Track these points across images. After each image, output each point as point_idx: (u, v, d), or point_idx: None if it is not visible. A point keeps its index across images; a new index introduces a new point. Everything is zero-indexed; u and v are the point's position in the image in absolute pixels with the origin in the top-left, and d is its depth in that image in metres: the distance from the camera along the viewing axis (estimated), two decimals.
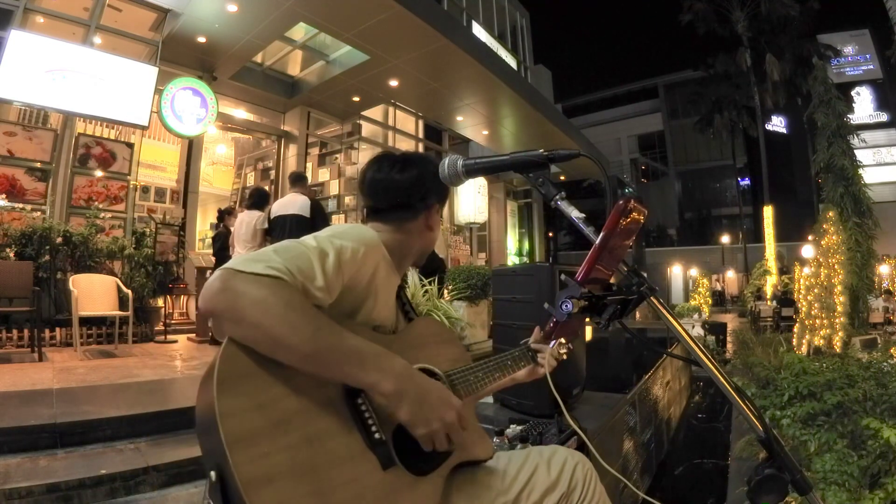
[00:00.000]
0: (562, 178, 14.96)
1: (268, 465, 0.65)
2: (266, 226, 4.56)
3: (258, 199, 4.90)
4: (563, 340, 1.16)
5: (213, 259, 6.12)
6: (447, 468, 0.89)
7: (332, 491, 0.70)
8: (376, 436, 0.78)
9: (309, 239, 0.82)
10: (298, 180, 4.68)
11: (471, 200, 12.64)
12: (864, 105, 21.76)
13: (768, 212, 15.93)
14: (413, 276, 4.61)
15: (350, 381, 0.76)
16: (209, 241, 9.75)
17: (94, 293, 4.80)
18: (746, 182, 27.78)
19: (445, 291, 5.27)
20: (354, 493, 0.72)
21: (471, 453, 0.96)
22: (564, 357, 1.18)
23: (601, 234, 0.75)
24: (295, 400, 0.72)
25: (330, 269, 0.79)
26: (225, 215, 6.07)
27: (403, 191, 1.04)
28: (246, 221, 4.65)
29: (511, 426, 1.95)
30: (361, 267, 0.87)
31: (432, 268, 5.02)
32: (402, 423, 0.80)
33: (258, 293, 0.70)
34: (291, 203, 4.40)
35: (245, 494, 0.62)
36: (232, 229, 5.03)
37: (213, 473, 0.66)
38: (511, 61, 12.52)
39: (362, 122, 10.02)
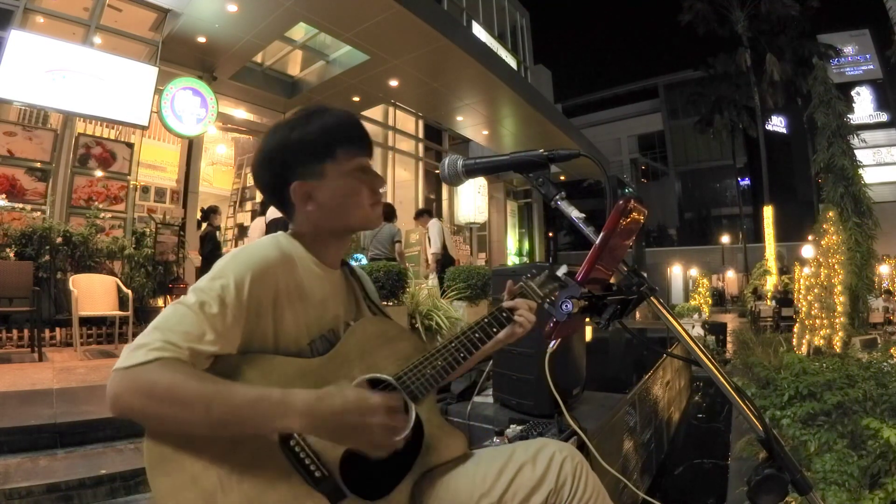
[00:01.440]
0: (562, 178, 14.96)
1: None
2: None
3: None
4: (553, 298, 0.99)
5: (196, 260, 6.03)
6: (410, 482, 0.86)
7: None
8: (317, 474, 0.77)
9: (189, 295, 0.79)
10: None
11: (471, 200, 12.64)
12: (864, 105, 21.75)
13: (768, 212, 15.94)
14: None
15: (262, 433, 0.75)
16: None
17: (94, 293, 4.80)
18: (746, 182, 27.79)
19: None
20: None
21: (438, 455, 0.91)
22: (547, 303, 1.01)
23: (601, 234, 0.75)
24: (227, 462, 0.73)
25: (215, 317, 0.76)
26: (210, 214, 6.00)
27: (260, 166, 0.95)
28: (260, 227, 4.69)
29: (511, 426, 1.95)
30: (254, 297, 0.80)
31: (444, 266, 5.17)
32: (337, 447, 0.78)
33: (144, 387, 0.69)
34: None
35: None
36: (218, 228, 5.08)
37: None
38: (511, 61, 12.52)
39: (362, 122, 10.01)
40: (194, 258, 6.65)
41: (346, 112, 0.98)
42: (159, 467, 0.72)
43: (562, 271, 0.81)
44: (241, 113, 8.90)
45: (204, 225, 6.00)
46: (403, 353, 0.94)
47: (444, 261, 6.64)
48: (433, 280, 5.63)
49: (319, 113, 0.95)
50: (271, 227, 4.46)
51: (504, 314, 1.00)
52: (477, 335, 0.97)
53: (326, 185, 0.91)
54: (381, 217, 1.00)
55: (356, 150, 0.95)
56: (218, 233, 7.71)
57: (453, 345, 0.94)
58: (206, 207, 6.28)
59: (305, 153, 0.91)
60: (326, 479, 0.77)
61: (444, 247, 6.71)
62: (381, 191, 0.99)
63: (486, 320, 0.99)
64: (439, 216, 10.47)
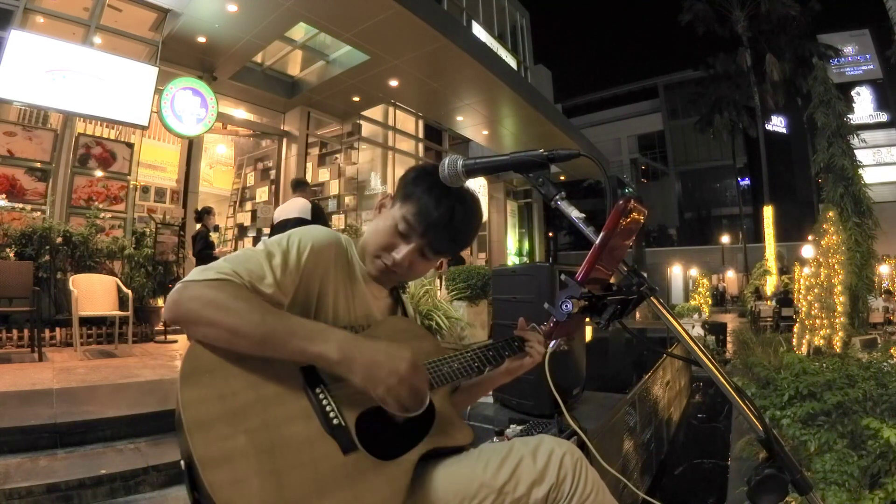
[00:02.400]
0: (562, 178, 14.97)
1: (225, 446, 0.70)
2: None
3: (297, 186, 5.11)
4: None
5: (193, 260, 6.07)
6: (418, 452, 0.88)
7: (289, 470, 0.73)
8: (335, 421, 0.81)
9: (259, 245, 0.90)
10: (299, 186, 5.00)
11: None
12: (864, 105, 21.77)
13: (768, 212, 15.95)
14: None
15: (300, 356, 0.80)
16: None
17: (94, 293, 4.80)
18: (746, 182, 27.81)
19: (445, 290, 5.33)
20: (312, 473, 0.75)
21: (447, 438, 0.95)
22: (562, 348, 1.13)
23: (601, 234, 0.75)
24: (255, 391, 0.78)
25: (277, 267, 0.86)
26: (203, 215, 6.07)
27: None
28: (300, 204, 4.82)
29: (511, 426, 1.95)
30: (310, 264, 0.91)
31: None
32: (361, 391, 0.81)
33: (209, 295, 0.77)
34: (293, 207, 4.70)
35: (202, 472, 0.66)
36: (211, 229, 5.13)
37: (182, 463, 0.72)
38: (511, 61, 12.52)
39: (362, 122, 10.02)
40: (193, 258, 6.65)
41: (462, 215, 0.99)
42: (192, 378, 0.75)
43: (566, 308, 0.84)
44: (240, 113, 8.90)
45: (198, 226, 6.05)
46: (425, 350, 1.01)
47: (455, 261, 6.78)
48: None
49: (453, 197, 0.98)
50: (279, 227, 4.50)
51: (516, 343, 1.10)
52: (490, 353, 1.07)
53: (386, 213, 1.03)
54: (376, 271, 1.03)
55: (420, 230, 0.98)
56: (215, 233, 7.72)
57: (469, 355, 1.04)
58: (200, 209, 6.33)
59: (405, 194, 1.00)
60: (342, 427, 0.81)
61: None
62: (403, 264, 1.01)
63: (500, 343, 1.09)
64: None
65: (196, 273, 0.80)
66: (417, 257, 1.01)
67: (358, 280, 1.01)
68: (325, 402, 0.82)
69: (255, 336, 0.76)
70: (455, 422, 0.99)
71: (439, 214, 0.96)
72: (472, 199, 1.02)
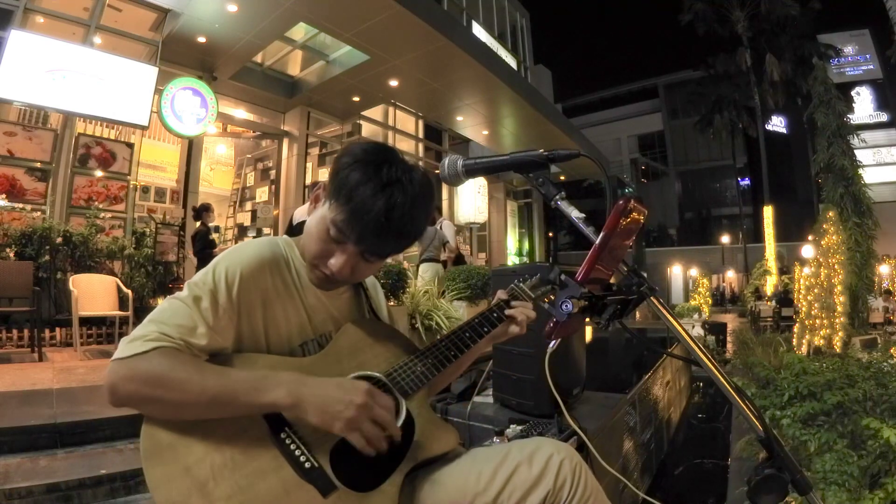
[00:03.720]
0: (562, 178, 14.96)
1: None
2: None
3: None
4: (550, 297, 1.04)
5: (195, 259, 6.06)
6: (401, 473, 0.85)
7: None
8: (307, 465, 0.78)
9: (184, 289, 0.82)
10: (315, 187, 4.97)
11: (471, 200, 12.65)
12: (864, 105, 21.75)
13: (768, 212, 15.94)
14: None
15: (253, 410, 0.77)
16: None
17: (94, 293, 4.80)
18: (746, 182, 27.79)
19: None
20: None
21: (430, 448, 0.90)
22: (543, 303, 1.05)
23: (601, 234, 0.75)
24: (220, 453, 0.75)
25: (207, 311, 0.79)
26: (202, 212, 6.01)
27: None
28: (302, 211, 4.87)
29: (511, 426, 1.95)
30: (244, 294, 0.83)
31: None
32: (320, 429, 0.78)
33: (143, 372, 0.73)
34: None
35: None
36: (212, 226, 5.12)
37: None
38: (511, 61, 12.52)
39: (362, 122, 10.02)
40: (194, 258, 6.65)
41: (393, 209, 0.84)
42: (154, 457, 0.74)
43: (553, 273, 0.81)
44: (241, 113, 8.90)
45: (197, 224, 6.01)
46: (394, 352, 0.96)
47: (456, 261, 6.84)
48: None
49: (388, 183, 0.84)
50: (297, 229, 4.49)
51: (495, 314, 1.03)
52: (468, 334, 0.99)
53: (319, 213, 0.90)
54: (317, 280, 0.93)
55: (354, 237, 0.85)
56: (216, 233, 7.67)
57: (444, 343, 0.97)
58: (198, 206, 6.26)
59: (335, 188, 0.86)
60: (316, 470, 0.78)
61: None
62: (344, 272, 0.89)
63: (477, 320, 1.02)
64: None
65: (124, 348, 0.75)
66: (360, 262, 0.89)
67: (307, 287, 0.93)
68: (292, 446, 0.78)
69: (202, 404, 0.74)
70: (437, 426, 0.94)
71: (374, 214, 0.82)
72: (416, 178, 0.87)
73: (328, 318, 0.96)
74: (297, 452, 0.78)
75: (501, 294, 1.07)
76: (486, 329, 1.01)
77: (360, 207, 0.82)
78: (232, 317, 0.82)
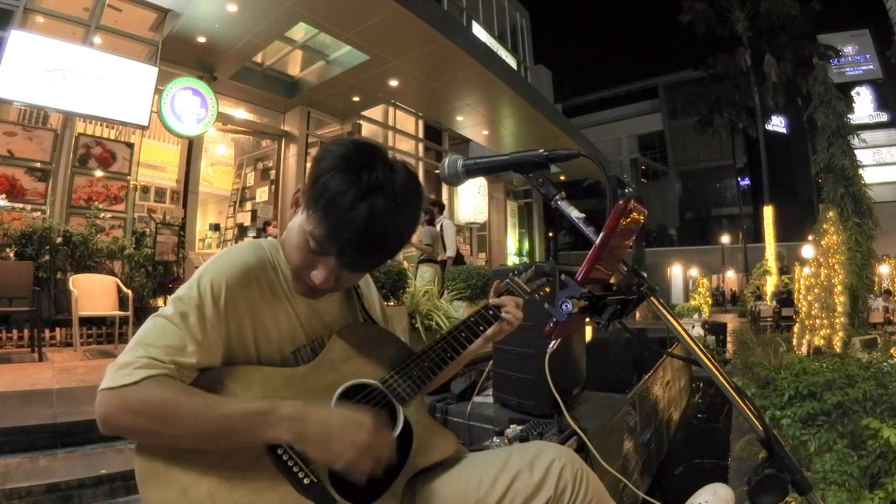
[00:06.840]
0: (562, 178, 14.96)
1: None
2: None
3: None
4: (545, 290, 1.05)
5: (193, 260, 6.11)
6: (401, 484, 0.84)
7: None
8: (305, 481, 0.77)
9: (168, 305, 0.79)
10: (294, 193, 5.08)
11: (471, 200, 12.65)
12: (864, 105, 21.75)
13: (768, 212, 15.92)
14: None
15: (252, 444, 0.76)
16: (210, 241, 9.76)
17: (94, 293, 4.80)
18: (746, 182, 27.80)
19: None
20: None
21: (430, 455, 0.89)
22: (539, 296, 1.05)
23: (601, 234, 0.75)
24: (217, 473, 0.74)
25: (195, 327, 0.76)
26: (266, 226, 6.20)
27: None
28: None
29: (511, 426, 1.95)
30: (231, 306, 0.80)
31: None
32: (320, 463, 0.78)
33: (137, 405, 0.70)
34: None
35: None
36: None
37: None
38: (511, 61, 12.52)
39: (362, 122, 10.02)
40: (194, 258, 6.65)
41: (377, 218, 0.77)
42: (150, 480, 0.73)
43: (548, 267, 0.80)
44: (241, 113, 8.90)
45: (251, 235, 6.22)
46: (390, 356, 0.93)
47: (456, 261, 6.79)
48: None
49: (368, 191, 0.77)
50: None
51: (491, 311, 1.01)
52: (464, 334, 0.98)
53: (298, 221, 0.85)
54: (301, 290, 0.90)
55: (334, 251, 0.79)
56: (215, 233, 7.69)
57: (440, 345, 0.95)
58: (264, 218, 6.55)
59: (312, 196, 0.79)
60: (315, 485, 0.77)
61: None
62: (328, 284, 0.85)
63: (472, 319, 1.01)
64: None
65: (113, 376, 0.71)
66: (343, 272, 0.84)
67: (296, 290, 0.89)
68: (290, 462, 0.77)
69: (195, 438, 0.72)
70: (435, 432, 0.93)
71: (355, 229, 0.76)
72: (399, 181, 0.80)
73: (319, 322, 0.93)
74: (296, 469, 0.77)
75: (497, 285, 1.07)
76: (481, 328, 1.00)
77: (340, 221, 0.76)
78: (220, 331, 0.79)
